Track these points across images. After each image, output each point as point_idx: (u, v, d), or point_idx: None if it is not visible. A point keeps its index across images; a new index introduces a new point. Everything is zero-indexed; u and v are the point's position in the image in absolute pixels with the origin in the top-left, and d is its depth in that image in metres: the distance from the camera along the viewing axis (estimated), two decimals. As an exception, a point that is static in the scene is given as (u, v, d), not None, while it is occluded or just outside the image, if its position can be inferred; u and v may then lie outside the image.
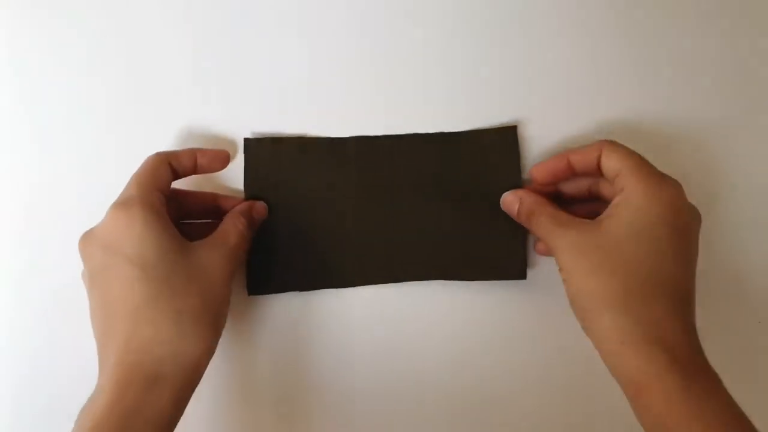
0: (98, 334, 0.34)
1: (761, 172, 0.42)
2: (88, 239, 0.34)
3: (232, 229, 0.37)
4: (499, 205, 0.41)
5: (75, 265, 0.36)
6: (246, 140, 0.42)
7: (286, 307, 0.42)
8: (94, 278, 0.34)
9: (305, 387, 0.42)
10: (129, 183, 0.36)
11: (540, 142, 0.42)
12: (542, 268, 0.42)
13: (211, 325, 0.34)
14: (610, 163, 0.35)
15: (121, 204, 0.34)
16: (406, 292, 0.42)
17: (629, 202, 0.33)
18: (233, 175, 0.42)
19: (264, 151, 0.42)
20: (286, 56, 0.43)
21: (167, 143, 0.42)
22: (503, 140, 0.41)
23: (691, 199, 0.35)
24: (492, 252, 0.41)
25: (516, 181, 0.41)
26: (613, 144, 0.36)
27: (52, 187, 0.43)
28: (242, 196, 0.42)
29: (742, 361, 0.38)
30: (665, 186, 0.33)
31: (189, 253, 0.34)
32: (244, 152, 0.42)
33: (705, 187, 0.41)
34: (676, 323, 0.31)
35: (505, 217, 0.41)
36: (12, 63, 0.43)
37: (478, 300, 0.42)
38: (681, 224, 0.33)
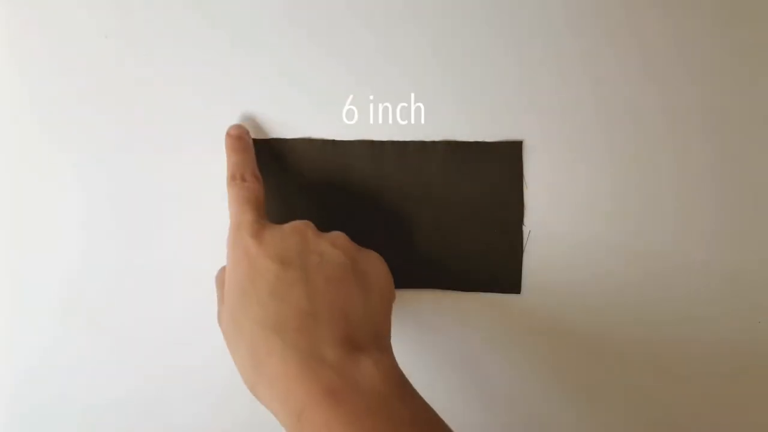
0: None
1: None
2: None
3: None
4: (497, 219, 0.42)
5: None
6: (252, 140, 0.42)
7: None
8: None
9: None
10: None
11: (541, 157, 0.43)
12: (536, 283, 0.42)
13: None
14: None
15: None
16: (399, 297, 0.42)
17: None
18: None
19: (268, 152, 0.42)
20: (293, 60, 0.44)
21: (178, 145, 0.43)
22: (508, 154, 0.42)
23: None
24: (487, 264, 0.42)
25: (517, 196, 0.42)
26: None
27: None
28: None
29: (742, 361, 0.38)
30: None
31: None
32: (249, 152, 0.42)
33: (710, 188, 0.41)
34: None
35: (502, 231, 0.41)
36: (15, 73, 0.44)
37: (471, 310, 0.42)
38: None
